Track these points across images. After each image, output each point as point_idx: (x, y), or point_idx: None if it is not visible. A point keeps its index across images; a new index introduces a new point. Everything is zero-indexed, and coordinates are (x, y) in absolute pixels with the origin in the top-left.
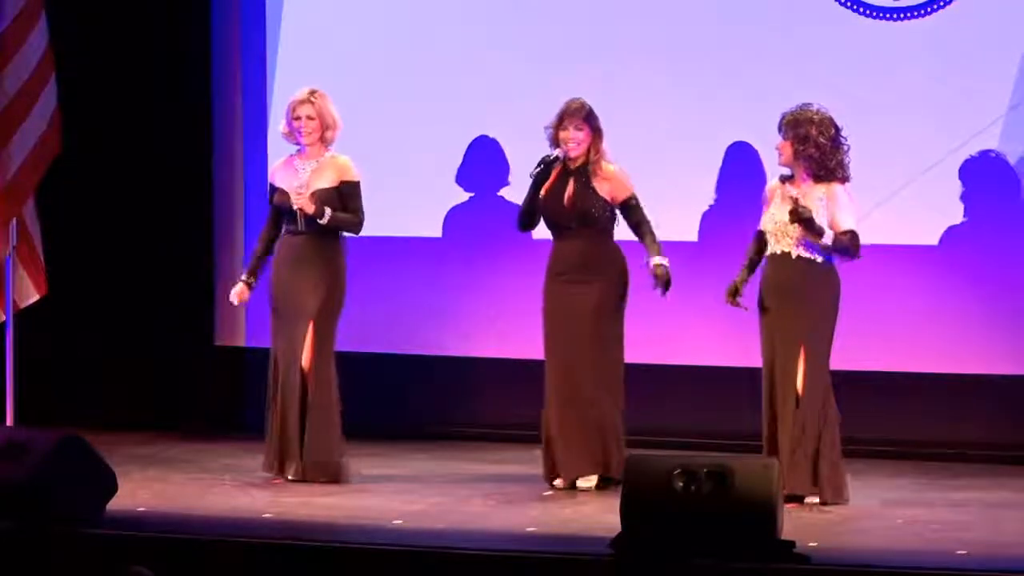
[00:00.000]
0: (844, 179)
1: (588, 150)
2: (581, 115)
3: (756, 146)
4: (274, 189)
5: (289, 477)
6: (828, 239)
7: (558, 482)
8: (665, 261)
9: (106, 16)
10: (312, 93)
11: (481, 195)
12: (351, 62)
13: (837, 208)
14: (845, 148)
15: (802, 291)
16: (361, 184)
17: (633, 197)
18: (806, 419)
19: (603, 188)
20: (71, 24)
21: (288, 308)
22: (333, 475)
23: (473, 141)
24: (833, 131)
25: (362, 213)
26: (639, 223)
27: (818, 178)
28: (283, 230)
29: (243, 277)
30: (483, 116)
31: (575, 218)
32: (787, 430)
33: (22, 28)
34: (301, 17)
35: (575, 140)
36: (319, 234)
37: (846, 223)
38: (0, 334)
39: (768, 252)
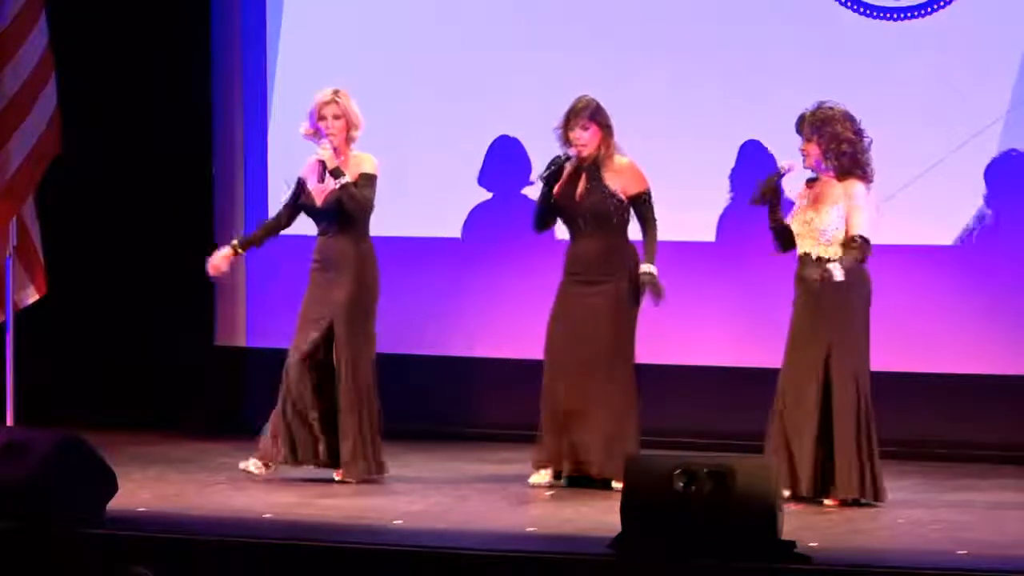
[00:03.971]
0: (869, 175)
1: (599, 147)
2: (587, 114)
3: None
4: (301, 185)
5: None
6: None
7: (544, 473)
8: (652, 269)
9: (106, 16)
10: (336, 93)
11: (497, 196)
12: (352, 61)
13: (854, 207)
14: (868, 141)
15: (825, 292)
16: (377, 180)
17: (646, 193)
18: (842, 422)
19: (615, 183)
20: (71, 24)
21: (314, 309)
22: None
23: (494, 141)
24: (856, 124)
25: (369, 200)
26: (645, 220)
27: (842, 175)
28: (316, 233)
29: (233, 242)
30: (486, 116)
31: (587, 216)
32: (802, 432)
33: (22, 28)
34: (301, 17)
35: (583, 140)
36: (345, 234)
37: (859, 226)
38: (0, 334)
39: (798, 252)
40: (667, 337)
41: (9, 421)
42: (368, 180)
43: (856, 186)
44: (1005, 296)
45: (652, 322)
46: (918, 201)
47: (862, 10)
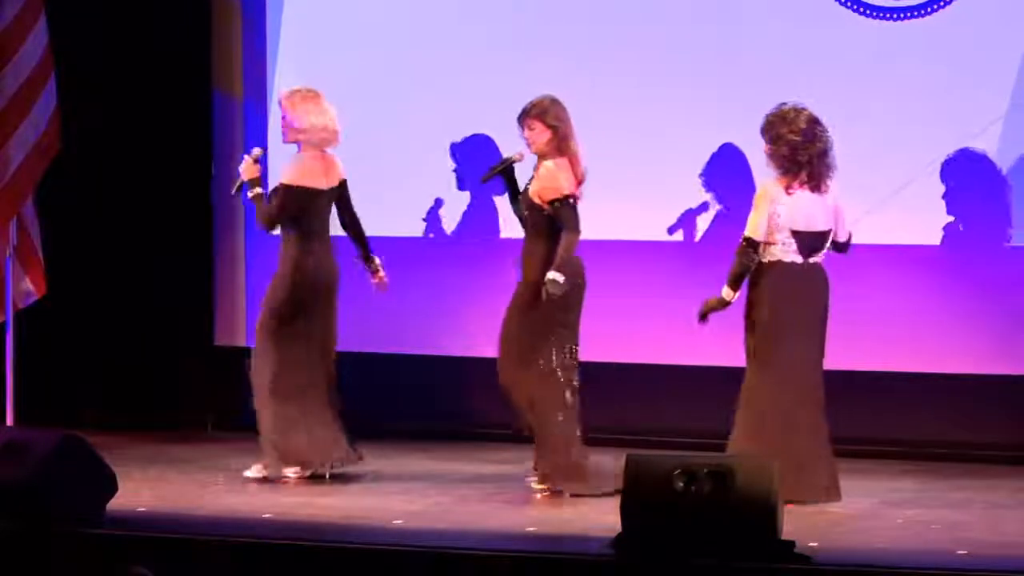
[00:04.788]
0: (803, 177)
1: (547, 146)
2: (532, 114)
3: (757, 146)
4: None
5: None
6: (729, 297)
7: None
8: (553, 276)
9: (106, 16)
10: (285, 95)
11: (482, 194)
12: (351, 61)
13: (753, 206)
14: (823, 141)
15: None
16: (288, 190)
17: (558, 200)
18: (743, 423)
19: (535, 187)
20: (71, 23)
21: None
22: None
23: (470, 139)
24: (804, 124)
25: (267, 213)
26: (562, 227)
27: (780, 176)
28: None
29: None
30: (486, 117)
31: (519, 219)
32: None
33: (22, 28)
34: (301, 17)
35: (529, 139)
36: (285, 235)
37: (748, 226)
38: (0, 334)
39: None
40: (667, 337)
41: (9, 421)
42: (275, 192)
43: (763, 186)
44: (1004, 296)
45: (652, 323)
46: (918, 201)
47: (862, 10)
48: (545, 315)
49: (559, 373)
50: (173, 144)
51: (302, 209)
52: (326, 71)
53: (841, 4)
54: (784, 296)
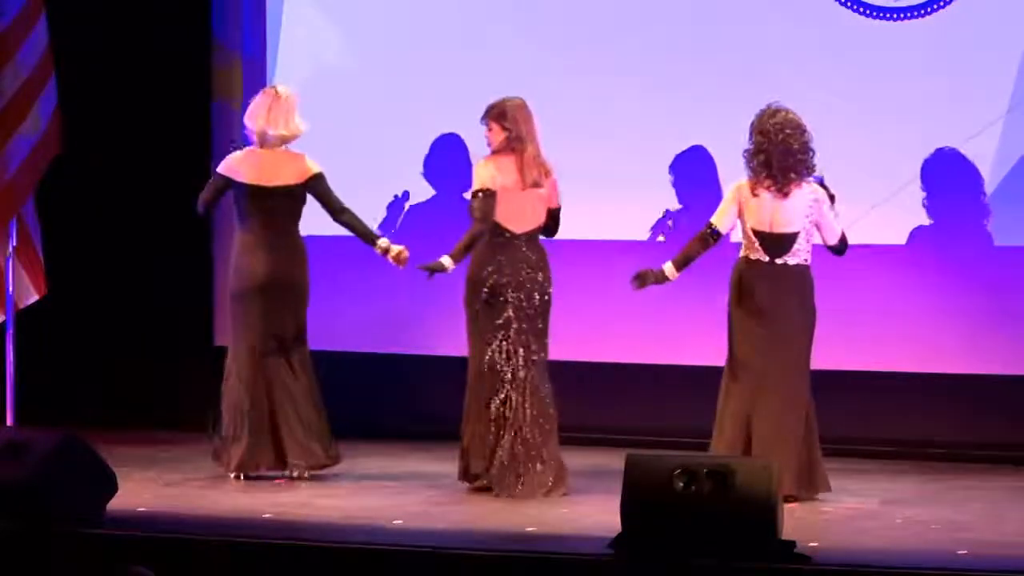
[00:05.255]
0: (762, 181)
1: (502, 146)
2: (492, 115)
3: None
4: None
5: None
6: (669, 272)
7: None
8: (443, 259)
9: (106, 16)
10: None
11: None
12: (351, 62)
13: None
14: (788, 144)
15: None
16: (210, 180)
17: (476, 192)
18: (719, 424)
19: None
20: (71, 24)
21: None
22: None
23: (442, 139)
24: (771, 127)
25: (202, 192)
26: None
27: (750, 174)
28: None
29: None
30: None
31: None
32: None
33: (22, 28)
34: (301, 18)
35: (487, 138)
36: None
37: (714, 214)
38: (0, 334)
39: None
40: (667, 338)
41: (9, 421)
42: None
43: (736, 182)
44: (1004, 295)
45: (653, 323)
46: (919, 202)
47: (862, 10)
48: (469, 313)
49: (483, 373)
50: (173, 143)
51: (240, 203)
52: (326, 72)
53: (841, 4)
54: (751, 292)
